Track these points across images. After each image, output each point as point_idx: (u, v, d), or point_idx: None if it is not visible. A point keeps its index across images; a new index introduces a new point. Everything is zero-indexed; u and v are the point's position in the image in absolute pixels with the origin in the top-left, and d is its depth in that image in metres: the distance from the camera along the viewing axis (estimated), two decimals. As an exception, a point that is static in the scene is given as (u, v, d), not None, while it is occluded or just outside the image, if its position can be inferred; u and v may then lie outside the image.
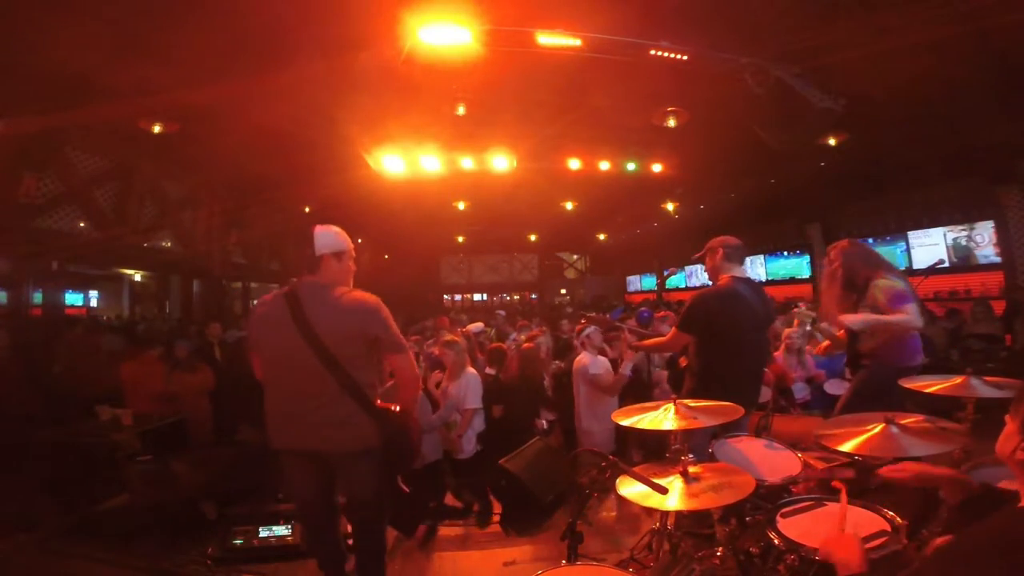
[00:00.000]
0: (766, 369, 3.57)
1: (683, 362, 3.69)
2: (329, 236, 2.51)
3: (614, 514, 3.74)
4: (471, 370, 4.48)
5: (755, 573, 1.85)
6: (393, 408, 2.46)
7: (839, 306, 3.23)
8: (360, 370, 2.37)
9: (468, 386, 4.33)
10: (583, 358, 4.79)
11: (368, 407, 2.36)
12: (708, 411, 2.32)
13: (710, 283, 3.39)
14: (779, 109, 5.40)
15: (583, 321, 5.15)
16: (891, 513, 1.84)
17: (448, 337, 4.50)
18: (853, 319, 3.07)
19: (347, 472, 2.45)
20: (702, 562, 1.95)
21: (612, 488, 2.08)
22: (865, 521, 1.75)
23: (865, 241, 10.31)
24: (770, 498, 2.12)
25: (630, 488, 1.97)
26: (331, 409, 2.33)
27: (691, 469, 2.01)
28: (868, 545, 1.59)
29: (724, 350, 3.05)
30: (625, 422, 2.32)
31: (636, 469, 2.00)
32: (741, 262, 3.30)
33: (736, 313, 3.06)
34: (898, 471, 1.68)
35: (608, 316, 6.05)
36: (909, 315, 2.97)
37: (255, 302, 2.91)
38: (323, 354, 2.30)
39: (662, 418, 2.25)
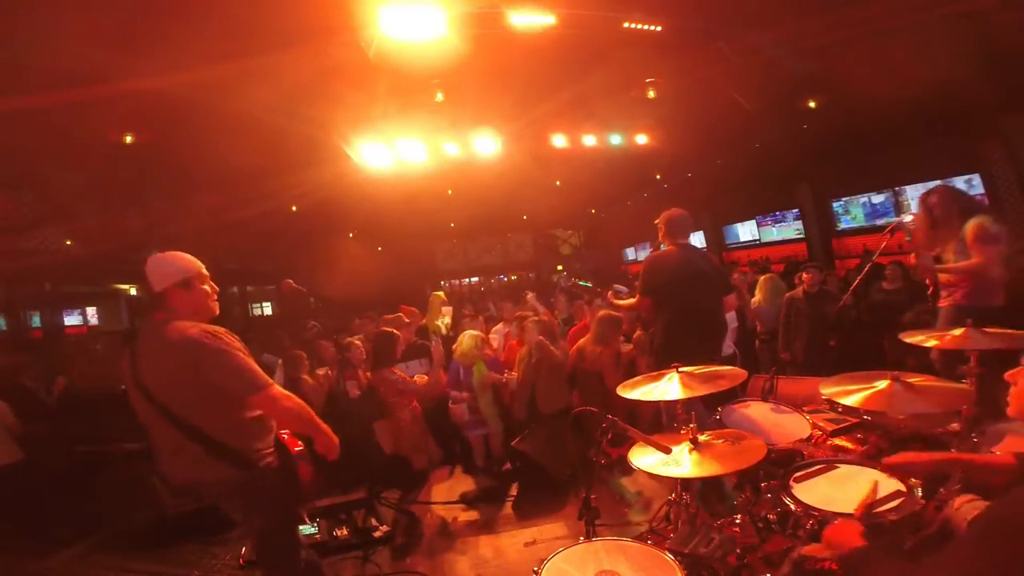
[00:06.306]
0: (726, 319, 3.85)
1: None
2: (165, 265, 2.14)
3: (632, 488, 3.80)
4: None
5: (774, 539, 1.89)
6: (283, 437, 2.18)
7: (928, 245, 3.42)
8: (207, 416, 1.98)
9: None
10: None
11: (222, 453, 1.99)
12: (710, 377, 2.35)
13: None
14: (755, 74, 5.39)
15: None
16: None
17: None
18: (929, 267, 3.35)
19: (225, 505, 2.22)
20: (721, 531, 1.99)
21: (624, 459, 2.11)
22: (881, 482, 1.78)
23: (856, 197, 10.40)
24: (781, 463, 2.15)
25: (643, 459, 2.01)
26: (182, 457, 2.02)
27: (700, 437, 2.05)
28: (885, 507, 1.62)
29: (672, 306, 3.47)
30: (631, 394, 2.34)
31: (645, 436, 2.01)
32: (684, 233, 3.69)
33: (678, 273, 3.47)
34: (904, 458, 1.69)
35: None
36: (984, 258, 3.07)
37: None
38: (155, 403, 1.96)
39: (666, 388, 2.28)
